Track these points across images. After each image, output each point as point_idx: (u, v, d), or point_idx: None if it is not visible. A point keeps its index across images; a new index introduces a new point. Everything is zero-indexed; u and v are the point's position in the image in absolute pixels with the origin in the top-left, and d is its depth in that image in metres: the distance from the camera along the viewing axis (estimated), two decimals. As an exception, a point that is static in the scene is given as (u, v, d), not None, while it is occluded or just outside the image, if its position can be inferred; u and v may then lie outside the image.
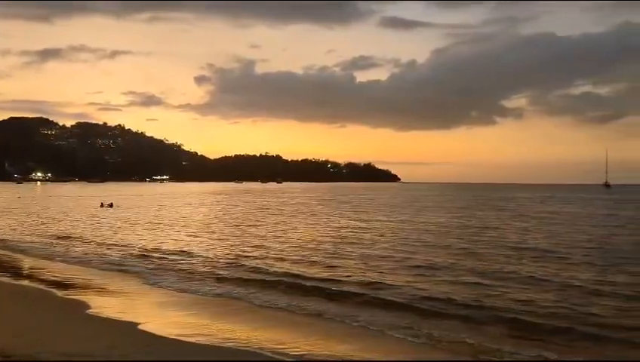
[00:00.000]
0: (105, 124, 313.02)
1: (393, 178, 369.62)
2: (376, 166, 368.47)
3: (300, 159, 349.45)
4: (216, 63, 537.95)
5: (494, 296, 12.49)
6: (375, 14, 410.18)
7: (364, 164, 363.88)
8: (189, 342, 8.89)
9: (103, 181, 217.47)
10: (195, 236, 25.84)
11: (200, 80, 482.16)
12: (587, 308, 11.30)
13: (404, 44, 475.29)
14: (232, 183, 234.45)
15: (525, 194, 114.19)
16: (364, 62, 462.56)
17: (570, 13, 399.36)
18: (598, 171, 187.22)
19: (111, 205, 50.29)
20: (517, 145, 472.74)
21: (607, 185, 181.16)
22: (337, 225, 32.57)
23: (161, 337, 9.17)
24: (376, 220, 36.46)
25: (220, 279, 14.74)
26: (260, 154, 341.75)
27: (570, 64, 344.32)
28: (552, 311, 11.04)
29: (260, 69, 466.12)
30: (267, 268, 16.41)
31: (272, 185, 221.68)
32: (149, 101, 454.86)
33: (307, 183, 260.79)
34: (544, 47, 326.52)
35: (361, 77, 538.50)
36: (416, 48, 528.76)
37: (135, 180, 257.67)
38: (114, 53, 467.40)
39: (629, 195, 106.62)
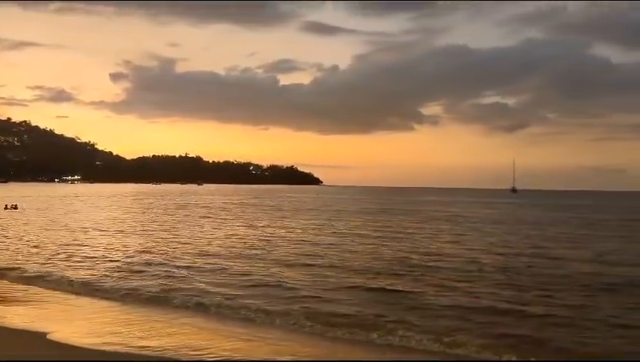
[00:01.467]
0: (9, 119, 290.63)
1: (315, 181, 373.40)
2: (299, 169, 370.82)
3: (221, 161, 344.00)
4: (134, 60, 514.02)
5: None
6: (297, 18, 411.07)
7: (287, 167, 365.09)
8: (99, 351, 8.65)
9: (5, 181, 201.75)
10: (105, 238, 24.85)
11: (116, 77, 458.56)
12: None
13: (326, 49, 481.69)
14: (149, 185, 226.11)
15: (437, 197, 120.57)
16: (286, 66, 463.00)
17: (482, 27, 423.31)
18: (506, 177, 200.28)
19: (15, 207, 46.98)
20: (433, 151, 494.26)
21: (514, 190, 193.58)
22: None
23: (70, 346, 8.83)
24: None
25: (132, 285, 14.36)
26: (180, 156, 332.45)
27: (480, 75, 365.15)
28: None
29: (180, 68, 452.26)
30: (174, 271, 16.21)
31: (192, 187, 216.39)
32: (59, 97, 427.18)
33: (228, 185, 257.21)
34: (457, 58, 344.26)
35: (284, 80, 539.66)
36: (338, 54, 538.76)
37: (42, 180, 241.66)
38: (19, 45, 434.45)
39: (533, 200, 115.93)
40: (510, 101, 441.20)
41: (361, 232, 30.77)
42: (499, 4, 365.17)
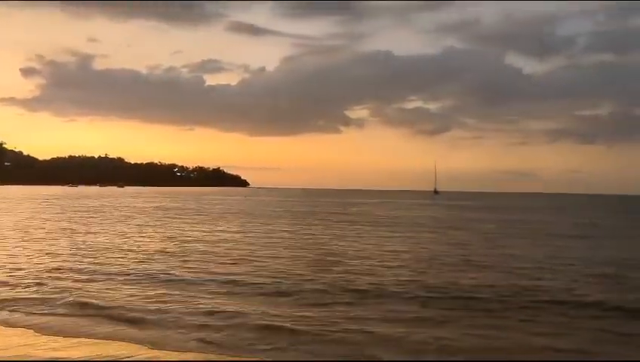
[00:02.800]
0: None
1: (243, 183, 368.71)
2: (226, 171, 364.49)
3: (144, 162, 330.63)
4: (48, 55, 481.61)
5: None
6: (224, 18, 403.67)
7: (213, 169, 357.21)
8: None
9: None
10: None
11: (27, 72, 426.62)
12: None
13: (253, 51, 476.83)
14: (64, 187, 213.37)
15: (365, 199, 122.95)
16: (213, 66, 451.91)
17: (405, 35, 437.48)
18: (429, 179, 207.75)
19: None
20: (359, 153, 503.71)
21: (436, 192, 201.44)
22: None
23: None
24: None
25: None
26: (100, 156, 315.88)
27: (404, 81, 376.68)
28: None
29: (99, 65, 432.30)
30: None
31: (112, 189, 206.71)
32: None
33: (151, 188, 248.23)
34: (382, 64, 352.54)
35: (211, 80, 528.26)
36: (265, 55, 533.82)
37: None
38: None
39: (452, 201, 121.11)
40: (432, 106, 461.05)
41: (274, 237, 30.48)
42: (421, 12, 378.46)
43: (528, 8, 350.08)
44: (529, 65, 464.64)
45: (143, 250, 21.45)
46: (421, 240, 28.33)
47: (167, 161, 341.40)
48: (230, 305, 11.89)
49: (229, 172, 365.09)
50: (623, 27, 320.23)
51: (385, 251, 22.69)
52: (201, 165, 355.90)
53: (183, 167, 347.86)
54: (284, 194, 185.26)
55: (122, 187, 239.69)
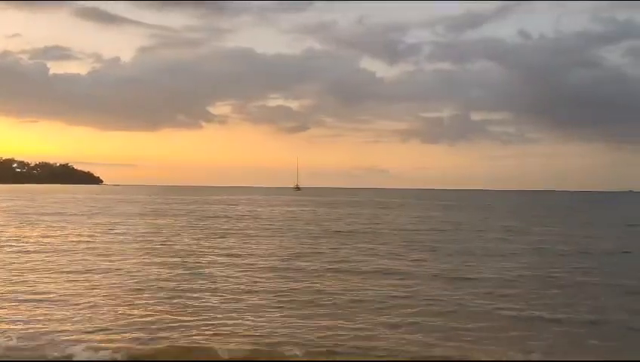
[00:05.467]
0: None
1: (96, 180, 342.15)
2: (76, 167, 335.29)
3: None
4: None
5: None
6: (72, 2, 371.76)
7: (61, 165, 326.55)
8: None
9: None
10: None
11: None
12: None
13: (106, 39, 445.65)
14: None
15: (227, 196, 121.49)
16: (59, 53, 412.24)
17: (267, 33, 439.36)
18: (292, 175, 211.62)
19: None
20: (222, 150, 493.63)
21: (297, 188, 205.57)
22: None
23: None
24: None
25: None
26: None
27: (266, 79, 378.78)
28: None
29: None
30: None
31: None
32: None
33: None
34: (244, 61, 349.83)
35: (56, 68, 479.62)
36: (119, 45, 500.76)
37: None
38: None
39: (314, 197, 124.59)
40: (293, 104, 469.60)
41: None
42: (282, 13, 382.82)
43: (380, 15, 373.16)
44: (381, 70, 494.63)
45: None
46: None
47: (4, 156, 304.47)
48: None
49: (79, 168, 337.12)
50: (459, 40, 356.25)
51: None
52: (45, 160, 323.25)
53: (23, 162, 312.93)
54: (141, 191, 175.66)
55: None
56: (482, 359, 9.16)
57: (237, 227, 35.21)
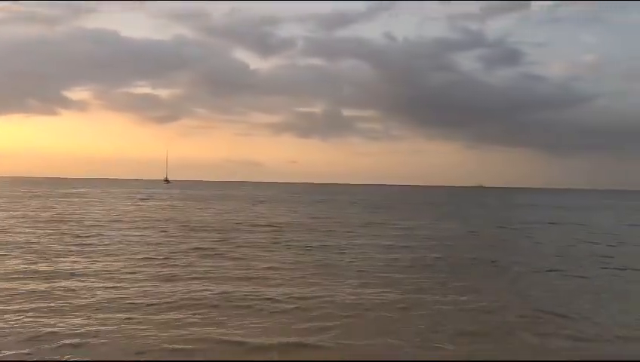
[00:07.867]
0: None
1: None
2: None
3: None
4: None
5: None
6: None
7: None
8: None
9: None
10: None
11: None
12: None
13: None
14: None
15: (91, 189, 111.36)
16: None
17: (133, 17, 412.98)
18: (161, 167, 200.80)
19: None
20: (82, 138, 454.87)
21: (166, 181, 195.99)
22: None
23: None
24: None
25: None
26: None
27: (132, 64, 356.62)
28: None
29: None
30: None
31: None
32: None
33: None
34: (108, 44, 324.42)
35: None
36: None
37: None
38: None
39: (186, 190, 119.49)
40: (162, 93, 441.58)
41: None
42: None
43: (251, 7, 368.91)
44: (255, 62, 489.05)
45: None
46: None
47: None
48: None
49: None
50: (330, 37, 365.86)
51: None
52: None
53: None
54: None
55: None
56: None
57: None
